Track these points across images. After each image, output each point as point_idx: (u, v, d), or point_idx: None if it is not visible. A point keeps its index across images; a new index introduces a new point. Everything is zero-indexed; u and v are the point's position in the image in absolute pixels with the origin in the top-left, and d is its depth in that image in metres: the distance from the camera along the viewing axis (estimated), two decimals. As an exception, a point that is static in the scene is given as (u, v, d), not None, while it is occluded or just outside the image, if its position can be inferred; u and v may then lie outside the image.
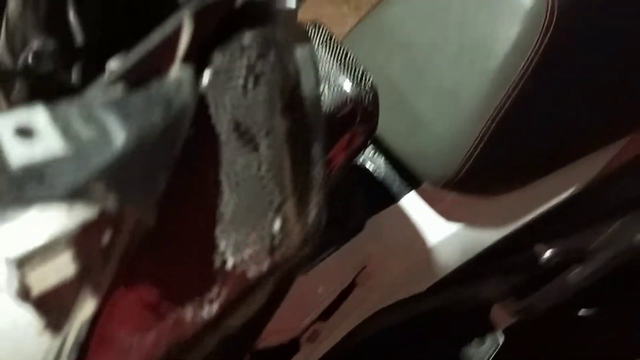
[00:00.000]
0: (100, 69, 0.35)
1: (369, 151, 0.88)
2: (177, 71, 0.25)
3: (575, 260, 1.13)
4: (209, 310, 0.24)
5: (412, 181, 0.85)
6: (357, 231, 0.81)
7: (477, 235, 0.93)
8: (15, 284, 0.23)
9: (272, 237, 0.26)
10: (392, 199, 0.86)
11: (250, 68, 0.28)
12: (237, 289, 0.26)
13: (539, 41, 0.73)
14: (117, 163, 0.21)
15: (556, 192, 0.95)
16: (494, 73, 0.75)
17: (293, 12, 0.34)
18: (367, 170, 0.88)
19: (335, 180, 0.71)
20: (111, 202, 0.20)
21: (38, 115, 0.20)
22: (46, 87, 0.42)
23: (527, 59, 0.74)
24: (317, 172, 0.29)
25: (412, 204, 0.86)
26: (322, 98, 0.46)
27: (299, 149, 0.28)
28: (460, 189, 0.83)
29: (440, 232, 0.90)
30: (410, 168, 0.84)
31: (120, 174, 0.21)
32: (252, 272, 0.25)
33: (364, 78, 0.64)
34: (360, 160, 0.89)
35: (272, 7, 0.30)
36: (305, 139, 0.29)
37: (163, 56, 0.25)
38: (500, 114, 0.76)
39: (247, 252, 0.25)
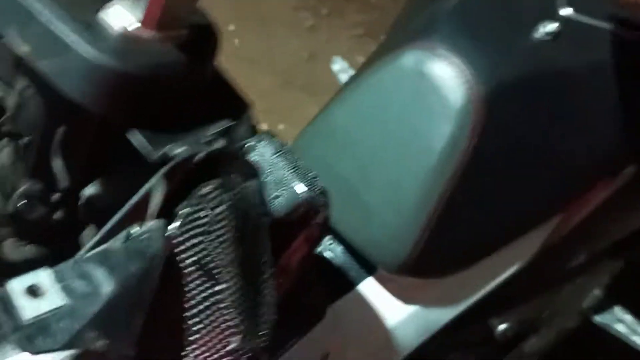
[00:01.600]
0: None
1: (327, 241, 0.94)
2: (148, 225, 0.30)
3: (530, 330, 1.19)
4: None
5: (368, 267, 0.91)
6: (318, 320, 0.85)
7: (432, 314, 0.98)
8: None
9: (234, 351, 0.31)
10: (350, 285, 0.91)
11: (212, 214, 0.34)
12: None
13: (471, 136, 0.81)
14: (105, 310, 0.26)
15: (503, 268, 1.02)
16: (433, 166, 0.83)
17: (243, 151, 0.40)
18: (326, 258, 0.94)
19: (298, 273, 0.76)
20: (100, 345, 0.25)
21: (44, 277, 0.26)
22: (34, 229, 0.47)
23: (462, 152, 0.82)
24: (269, 291, 0.35)
25: (369, 289, 0.91)
26: (279, 202, 0.52)
27: (250, 272, 0.34)
28: (412, 272, 0.88)
29: (397, 314, 0.95)
30: (365, 255, 0.89)
31: (107, 320, 0.26)
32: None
33: (314, 182, 0.70)
34: (319, 249, 0.94)
35: (226, 152, 0.36)
36: (255, 261, 0.34)
37: (136, 215, 0.31)
38: (442, 202, 0.83)
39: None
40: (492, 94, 0.81)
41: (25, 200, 0.41)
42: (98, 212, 0.50)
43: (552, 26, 0.88)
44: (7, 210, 0.42)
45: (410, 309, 0.95)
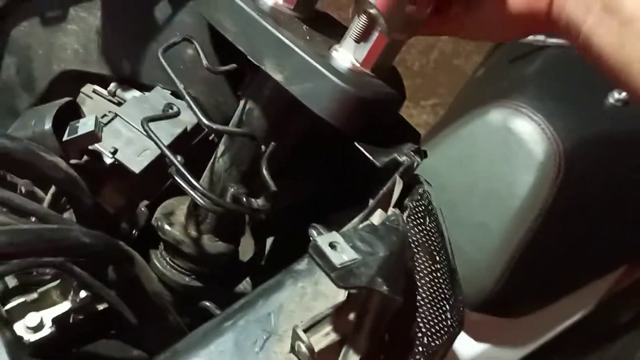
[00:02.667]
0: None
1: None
2: (392, 211, 0.39)
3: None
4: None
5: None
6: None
7: (501, 354, 1.04)
8: (304, 344, 0.36)
9: (448, 324, 0.40)
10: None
11: (426, 208, 0.43)
12: (432, 351, 0.38)
13: (552, 185, 0.90)
14: (384, 266, 0.34)
15: (568, 314, 1.08)
16: (516, 212, 0.91)
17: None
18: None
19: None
20: (384, 289, 0.34)
21: (337, 237, 0.34)
22: (231, 225, 0.57)
23: (543, 200, 0.90)
24: (457, 277, 0.44)
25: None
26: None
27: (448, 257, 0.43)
28: (490, 310, 0.95)
29: (468, 351, 1.02)
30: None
31: (386, 272, 0.34)
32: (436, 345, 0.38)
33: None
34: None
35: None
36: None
37: (383, 203, 0.40)
38: (523, 245, 0.91)
39: (438, 328, 0.38)
40: (571, 150, 0.91)
41: (231, 208, 0.50)
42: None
43: (622, 94, 0.98)
44: (215, 209, 0.51)
45: (481, 346, 1.02)
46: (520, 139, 0.93)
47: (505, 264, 0.91)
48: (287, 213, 0.60)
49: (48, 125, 0.46)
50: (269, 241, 0.66)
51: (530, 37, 1.10)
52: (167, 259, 0.56)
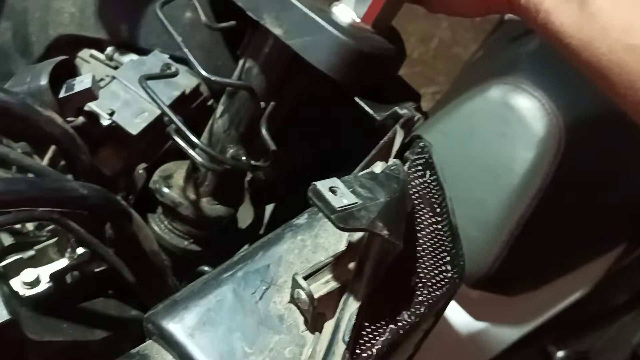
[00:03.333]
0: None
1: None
2: (394, 161, 0.39)
3: (583, 360, 1.24)
4: (418, 314, 0.37)
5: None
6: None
7: (499, 333, 1.04)
8: (303, 291, 0.35)
9: (449, 277, 0.40)
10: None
11: (426, 162, 0.43)
12: (433, 301, 0.38)
13: (551, 162, 0.90)
14: (384, 210, 0.34)
15: (568, 293, 1.08)
16: (514, 188, 0.91)
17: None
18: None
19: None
20: (385, 233, 0.33)
21: (337, 182, 0.34)
22: (230, 183, 0.56)
23: (543, 176, 0.90)
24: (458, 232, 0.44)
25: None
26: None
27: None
28: (488, 287, 0.95)
29: (467, 328, 1.01)
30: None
31: (386, 217, 0.34)
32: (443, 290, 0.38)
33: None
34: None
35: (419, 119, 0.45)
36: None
37: (383, 154, 0.40)
38: (521, 222, 0.91)
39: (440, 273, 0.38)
40: (571, 126, 0.90)
41: (231, 164, 0.50)
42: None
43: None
44: (214, 167, 0.50)
45: (480, 325, 1.02)
46: (520, 115, 0.92)
47: (503, 241, 0.91)
48: (286, 180, 0.60)
49: (44, 81, 0.46)
50: (268, 209, 0.66)
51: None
52: (166, 222, 0.56)
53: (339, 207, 0.32)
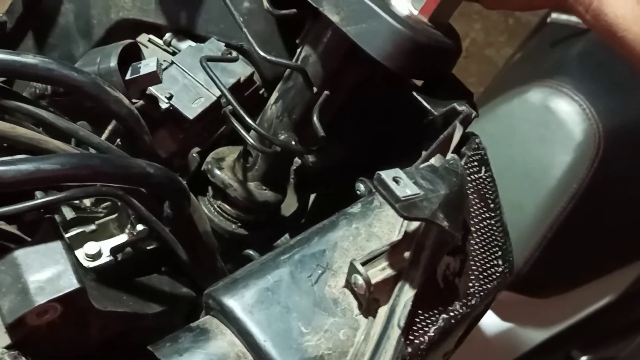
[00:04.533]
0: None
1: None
2: (450, 155, 0.40)
3: (606, 368, 1.24)
4: (469, 305, 0.38)
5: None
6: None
7: (525, 334, 1.05)
8: (361, 276, 0.37)
9: (501, 272, 0.41)
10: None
11: (482, 158, 0.44)
12: (484, 294, 0.39)
13: (589, 167, 0.90)
14: (444, 202, 0.35)
15: (594, 300, 1.08)
16: (551, 191, 0.91)
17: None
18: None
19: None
20: (445, 224, 0.34)
21: (400, 173, 0.35)
22: (279, 168, 0.57)
23: (580, 181, 0.90)
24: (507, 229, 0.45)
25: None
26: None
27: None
28: (518, 289, 0.96)
29: (493, 328, 1.02)
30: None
31: (446, 209, 0.35)
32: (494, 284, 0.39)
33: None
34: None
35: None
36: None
37: (442, 148, 0.41)
38: (556, 225, 0.91)
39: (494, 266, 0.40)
40: (611, 131, 0.90)
41: (282, 146, 0.51)
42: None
43: (665, 80, 0.97)
44: (265, 150, 0.52)
45: (506, 325, 1.02)
46: (559, 118, 0.93)
47: (537, 243, 0.92)
48: (331, 170, 0.61)
49: (114, 63, 0.47)
50: (311, 199, 0.67)
51: (573, 19, 1.09)
52: (215, 205, 0.57)
53: (403, 197, 0.34)
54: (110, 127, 0.54)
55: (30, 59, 0.42)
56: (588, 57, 0.99)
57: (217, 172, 0.56)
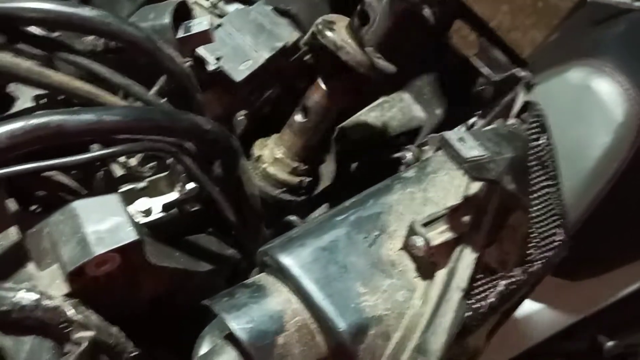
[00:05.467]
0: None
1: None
2: (512, 120, 0.40)
3: (632, 354, 1.23)
4: (529, 272, 0.37)
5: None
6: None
7: (555, 316, 1.04)
8: (420, 238, 0.36)
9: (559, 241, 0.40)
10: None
11: (542, 126, 0.44)
12: (543, 262, 0.39)
13: (629, 149, 0.88)
14: (511, 165, 0.35)
15: (624, 285, 1.07)
16: (588, 173, 0.89)
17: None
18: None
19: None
20: (512, 187, 0.34)
21: (465, 134, 0.35)
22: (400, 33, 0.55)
23: (619, 163, 0.88)
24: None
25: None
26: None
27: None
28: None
29: (523, 308, 1.01)
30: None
31: (513, 172, 0.35)
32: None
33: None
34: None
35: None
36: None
37: (504, 112, 0.40)
38: (592, 207, 0.90)
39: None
40: (653, 114, 0.88)
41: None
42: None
43: None
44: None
45: (535, 306, 1.02)
46: (600, 99, 0.91)
47: (573, 225, 0.90)
48: (371, 141, 0.61)
49: (168, 19, 0.47)
50: (352, 168, 0.67)
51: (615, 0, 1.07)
52: (260, 169, 0.57)
53: (469, 158, 0.33)
54: (156, 87, 0.54)
55: (88, 11, 0.42)
56: (630, 36, 0.97)
57: (329, 33, 0.51)
